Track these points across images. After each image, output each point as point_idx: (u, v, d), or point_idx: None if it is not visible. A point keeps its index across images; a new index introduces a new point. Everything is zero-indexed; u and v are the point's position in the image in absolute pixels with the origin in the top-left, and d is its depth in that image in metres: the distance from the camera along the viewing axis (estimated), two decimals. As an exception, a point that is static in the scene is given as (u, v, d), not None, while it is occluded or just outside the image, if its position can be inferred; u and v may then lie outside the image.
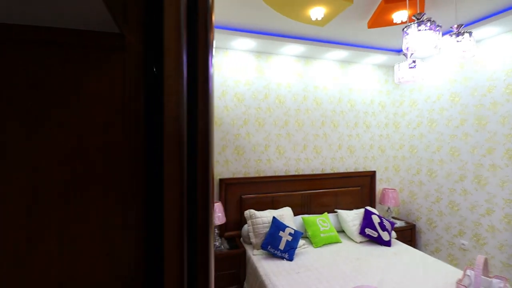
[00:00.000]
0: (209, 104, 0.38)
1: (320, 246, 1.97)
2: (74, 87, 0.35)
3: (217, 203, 1.95)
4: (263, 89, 2.28)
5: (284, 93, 2.34)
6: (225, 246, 1.96)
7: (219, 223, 1.93)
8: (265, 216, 1.98)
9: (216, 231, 2.04)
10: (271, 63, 2.30)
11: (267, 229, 1.91)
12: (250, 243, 1.94)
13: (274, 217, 1.94)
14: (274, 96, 2.32)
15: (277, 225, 1.89)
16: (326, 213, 2.24)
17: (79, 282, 0.36)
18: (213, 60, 0.38)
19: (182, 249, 0.33)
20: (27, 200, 0.34)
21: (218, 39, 1.96)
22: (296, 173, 2.39)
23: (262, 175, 2.29)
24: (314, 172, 2.45)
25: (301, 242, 1.94)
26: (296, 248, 1.83)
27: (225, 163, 2.19)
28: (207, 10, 0.38)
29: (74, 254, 0.36)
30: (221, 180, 2.13)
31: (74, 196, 0.36)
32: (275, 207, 2.21)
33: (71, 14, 0.30)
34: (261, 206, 2.18)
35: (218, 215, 1.92)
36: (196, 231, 0.37)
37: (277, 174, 2.33)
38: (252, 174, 2.27)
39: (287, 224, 1.94)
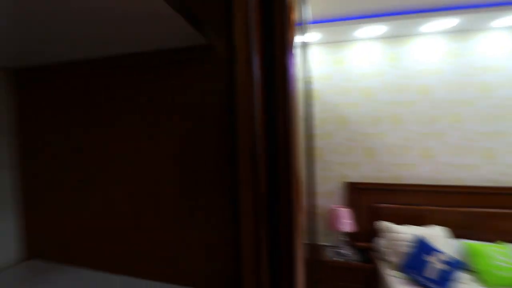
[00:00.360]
0: (288, 105, 0.37)
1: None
2: (173, 101, 0.43)
3: (345, 209, 1.83)
4: (398, 80, 1.93)
5: (429, 81, 1.88)
6: (354, 257, 1.80)
7: (348, 231, 1.80)
8: (405, 233, 1.65)
9: (345, 239, 1.92)
10: (408, 48, 1.91)
11: (408, 248, 1.58)
12: (385, 260, 1.68)
13: (419, 237, 1.58)
14: (414, 87, 1.90)
15: (423, 247, 1.53)
16: (506, 243, 1.58)
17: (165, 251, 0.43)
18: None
19: (258, 251, 0.34)
20: (134, 188, 0.44)
21: (338, 32, 1.84)
22: (454, 184, 1.84)
23: (400, 182, 1.93)
24: (485, 184, 1.80)
25: (462, 275, 1.47)
26: (451, 280, 1.40)
27: (353, 166, 2.02)
28: (284, 8, 0.37)
29: (160, 227, 0.43)
30: (348, 184, 1.98)
31: (165, 186, 0.43)
32: (419, 223, 1.79)
33: (161, 37, 0.37)
34: (399, 219, 1.83)
35: (347, 221, 1.79)
36: (279, 235, 0.36)
37: (422, 182, 1.89)
38: (387, 179, 1.96)
39: (437, 248, 1.53)
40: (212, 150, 0.40)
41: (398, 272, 1.56)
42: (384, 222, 1.78)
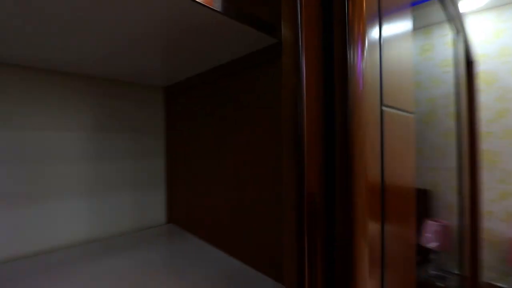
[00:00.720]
0: (349, 104, 0.30)
1: None
2: (258, 104, 0.45)
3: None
4: None
5: None
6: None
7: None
8: None
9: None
10: None
11: None
12: None
13: None
14: None
15: None
16: None
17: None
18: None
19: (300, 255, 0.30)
20: (238, 174, 0.49)
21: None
22: None
23: None
24: None
25: None
26: None
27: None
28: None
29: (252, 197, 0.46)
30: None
31: (253, 177, 0.46)
32: None
33: (238, 48, 0.40)
34: None
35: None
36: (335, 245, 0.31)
37: None
38: None
39: None
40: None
41: None
42: None
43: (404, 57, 0.39)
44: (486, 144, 1.57)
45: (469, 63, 1.39)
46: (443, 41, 1.86)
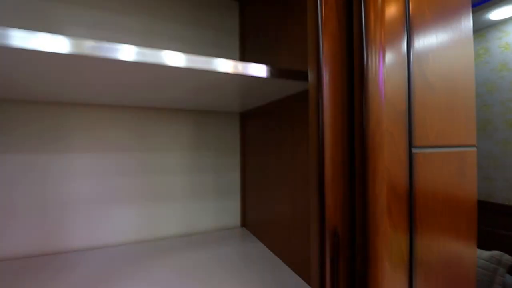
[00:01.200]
0: (368, 109, 0.33)
1: None
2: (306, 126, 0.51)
3: None
4: None
5: None
6: None
7: None
8: None
9: None
10: None
11: None
12: None
13: None
14: None
15: None
16: None
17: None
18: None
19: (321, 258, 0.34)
20: (293, 187, 0.56)
21: None
22: None
23: None
24: None
25: None
26: None
27: None
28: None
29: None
30: None
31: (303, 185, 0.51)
32: None
33: (287, 90, 0.46)
34: None
35: None
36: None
37: None
38: None
39: None
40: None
41: None
42: None
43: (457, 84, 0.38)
44: None
45: None
46: (499, 44, 1.76)
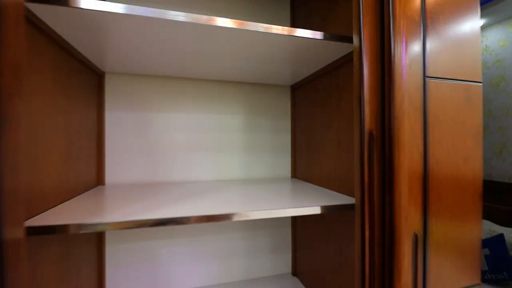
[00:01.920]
0: (394, 54, 0.48)
1: None
2: (348, 88, 0.67)
3: None
4: None
5: None
6: None
7: None
8: None
9: None
10: None
11: None
12: None
13: None
14: None
15: None
16: None
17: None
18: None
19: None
20: (336, 144, 0.72)
21: None
22: None
23: None
24: None
25: None
26: None
27: None
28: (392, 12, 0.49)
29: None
30: None
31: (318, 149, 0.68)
32: None
33: (334, 54, 0.62)
34: None
35: None
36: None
37: None
38: None
39: None
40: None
41: None
42: None
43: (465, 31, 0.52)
44: None
45: None
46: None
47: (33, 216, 0.45)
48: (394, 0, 0.49)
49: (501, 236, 1.58)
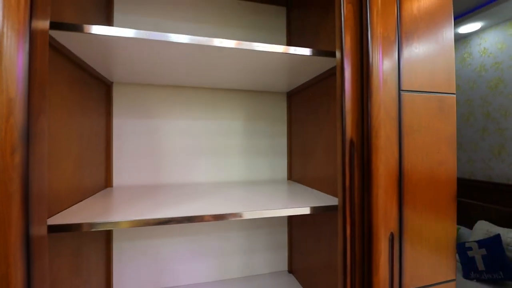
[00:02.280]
0: (371, 70, 0.54)
1: None
2: (333, 97, 0.73)
3: None
4: None
5: None
6: None
7: None
8: None
9: None
10: None
11: None
12: None
13: None
14: None
15: None
16: None
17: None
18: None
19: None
20: (326, 148, 0.78)
21: None
22: None
23: None
24: None
25: None
26: None
27: None
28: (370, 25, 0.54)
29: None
30: None
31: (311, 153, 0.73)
32: None
33: (321, 67, 0.68)
34: None
35: None
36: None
37: None
38: None
39: None
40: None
41: None
42: None
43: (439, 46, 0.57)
44: None
45: None
46: (478, 49, 2.31)
47: (51, 216, 0.52)
48: (371, 20, 0.54)
49: (497, 237, 1.61)
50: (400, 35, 0.54)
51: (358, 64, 0.56)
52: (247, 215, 0.56)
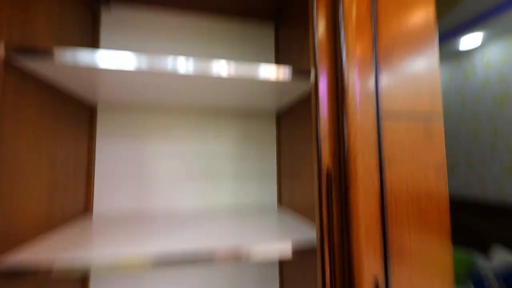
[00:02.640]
0: (346, 116, 0.50)
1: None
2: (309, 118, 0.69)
3: None
4: None
5: None
6: None
7: None
8: None
9: None
10: None
11: None
12: None
13: None
14: None
15: None
16: None
17: None
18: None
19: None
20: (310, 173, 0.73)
21: None
22: None
23: None
24: None
25: None
26: None
27: None
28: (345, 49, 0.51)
29: None
30: None
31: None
32: None
33: (296, 90, 0.65)
34: None
35: None
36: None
37: None
38: None
39: None
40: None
41: None
42: None
43: (422, 72, 0.53)
44: None
45: None
46: (481, 61, 2.29)
47: (9, 249, 0.48)
48: (346, 39, 0.51)
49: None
50: (378, 56, 0.51)
51: (334, 85, 0.53)
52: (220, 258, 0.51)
